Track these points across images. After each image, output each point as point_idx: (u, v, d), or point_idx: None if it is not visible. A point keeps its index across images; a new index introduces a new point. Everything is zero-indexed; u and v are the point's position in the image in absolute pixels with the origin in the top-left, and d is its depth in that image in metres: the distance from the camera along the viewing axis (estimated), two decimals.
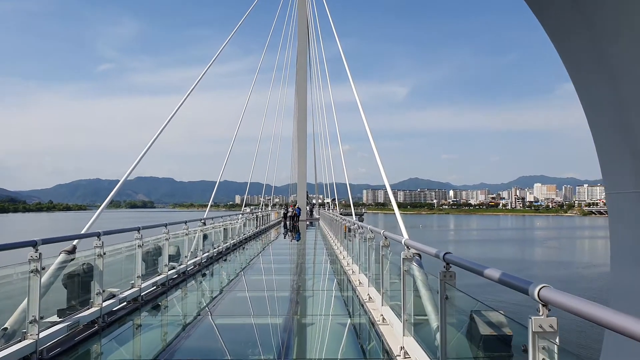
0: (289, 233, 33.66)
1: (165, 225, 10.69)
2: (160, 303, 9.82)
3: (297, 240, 28.42)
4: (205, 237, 15.42)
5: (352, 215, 22.54)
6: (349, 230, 15.39)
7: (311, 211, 63.39)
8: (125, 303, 8.47)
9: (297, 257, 19.56)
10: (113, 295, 8.11)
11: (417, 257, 6.29)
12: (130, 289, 8.81)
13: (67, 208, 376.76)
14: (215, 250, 16.53)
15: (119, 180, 12.67)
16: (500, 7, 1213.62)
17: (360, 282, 10.42)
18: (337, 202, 32.61)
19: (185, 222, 12.55)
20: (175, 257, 12.14)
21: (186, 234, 12.47)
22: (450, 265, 4.01)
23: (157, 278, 10.29)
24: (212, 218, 16.70)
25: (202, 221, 14.87)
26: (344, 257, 15.45)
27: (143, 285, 9.20)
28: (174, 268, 11.65)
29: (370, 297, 8.75)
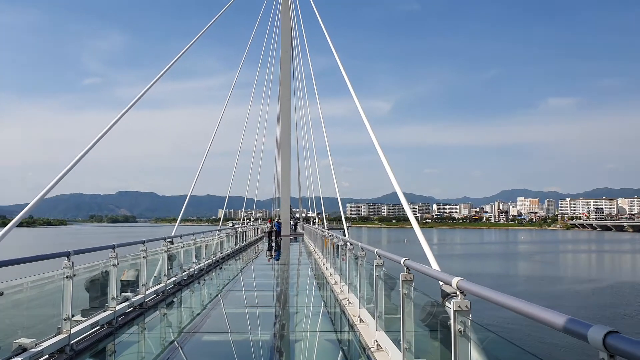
0: (269, 251, 31.12)
1: (113, 247, 8.40)
2: (104, 350, 7.54)
3: (277, 260, 25.83)
4: (172, 258, 13.12)
5: (343, 230, 20.41)
6: (339, 248, 13.30)
7: (295, 226, 61.06)
8: (46, 356, 6.18)
9: (281, 281, 17.15)
10: (23, 349, 5.83)
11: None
12: (55, 336, 6.50)
13: (48, 223, 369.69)
14: (185, 273, 14.19)
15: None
16: (480, 24, 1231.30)
17: (361, 320, 8.23)
18: (324, 216, 30.41)
19: (144, 242, 10.24)
20: (130, 286, 9.87)
21: (144, 257, 10.16)
22: (615, 356, 1.85)
23: (100, 316, 7.98)
24: (181, 236, 14.32)
25: (167, 240, 12.54)
26: (335, 282, 13.23)
27: (76, 329, 6.91)
28: (127, 300, 9.37)
29: (378, 345, 6.56)
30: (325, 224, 29.05)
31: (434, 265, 6.94)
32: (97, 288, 8.39)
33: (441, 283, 4.97)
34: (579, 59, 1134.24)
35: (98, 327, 7.86)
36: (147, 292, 10.27)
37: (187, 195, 20.89)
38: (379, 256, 6.94)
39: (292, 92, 50.55)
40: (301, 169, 62.59)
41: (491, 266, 70.89)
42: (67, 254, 6.73)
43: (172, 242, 13.10)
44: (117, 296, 8.57)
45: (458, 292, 3.59)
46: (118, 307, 8.59)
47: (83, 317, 7.82)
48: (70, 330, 6.68)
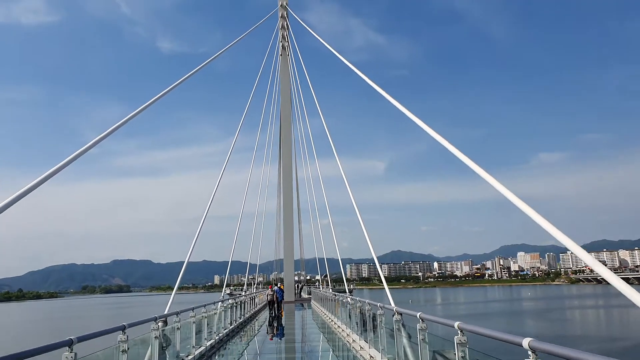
0: (270, 327, 25.49)
1: (70, 343, 5.38)
2: None
3: (281, 338, 20.54)
4: (165, 342, 10.00)
5: (347, 293, 17.28)
6: (373, 319, 10.36)
7: (300, 291, 57.09)
8: None
9: None
10: None
11: None
12: None
13: (38, 296, 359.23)
14: None
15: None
16: (468, 87, 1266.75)
17: None
18: (345, 279, 27.32)
19: (124, 329, 7.19)
20: None
21: (124, 350, 7.09)
22: None
23: None
24: (178, 313, 11.10)
25: (160, 320, 9.45)
26: None
27: None
28: None
29: None
30: (348, 288, 25.74)
31: None
32: None
33: None
34: (564, 115, 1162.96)
35: None
36: None
37: (182, 261, 17.83)
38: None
39: (293, 152, 49.70)
40: (303, 229, 60.30)
41: (503, 326, 66.47)
42: None
43: (165, 323, 10.04)
44: None
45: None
46: None
47: None
48: None
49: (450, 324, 5.89)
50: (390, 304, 10.46)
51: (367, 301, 11.30)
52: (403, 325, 7.76)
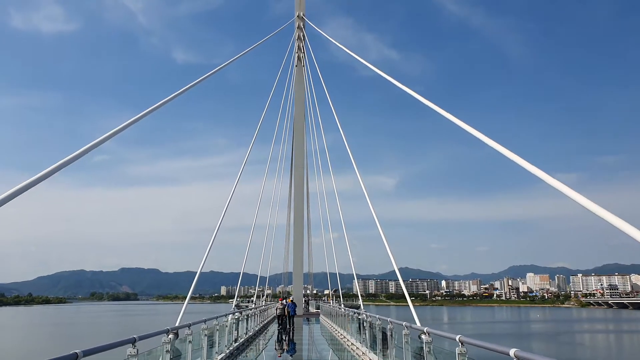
0: (279, 343, 23.75)
1: (75, 357, 4.87)
2: None
3: (292, 354, 19.02)
4: (176, 356, 9.46)
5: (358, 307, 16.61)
6: (390, 336, 9.76)
7: (307, 305, 56.34)
8: None
9: None
10: None
11: None
12: None
13: (47, 301, 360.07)
14: None
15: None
16: (482, 101, 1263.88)
17: None
18: (359, 294, 26.71)
19: (134, 342, 6.67)
20: None
21: None
22: None
23: None
24: (190, 325, 10.52)
25: (171, 332, 8.93)
26: None
27: None
28: None
29: None
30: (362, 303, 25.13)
31: None
32: None
33: None
34: (579, 137, 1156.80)
35: None
36: None
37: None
38: None
39: (305, 165, 49.67)
40: (314, 243, 59.81)
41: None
42: None
43: (176, 335, 9.52)
44: None
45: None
46: None
47: None
48: None
49: (505, 351, 5.18)
50: (416, 323, 9.87)
51: (389, 319, 10.67)
52: (432, 349, 7.11)
